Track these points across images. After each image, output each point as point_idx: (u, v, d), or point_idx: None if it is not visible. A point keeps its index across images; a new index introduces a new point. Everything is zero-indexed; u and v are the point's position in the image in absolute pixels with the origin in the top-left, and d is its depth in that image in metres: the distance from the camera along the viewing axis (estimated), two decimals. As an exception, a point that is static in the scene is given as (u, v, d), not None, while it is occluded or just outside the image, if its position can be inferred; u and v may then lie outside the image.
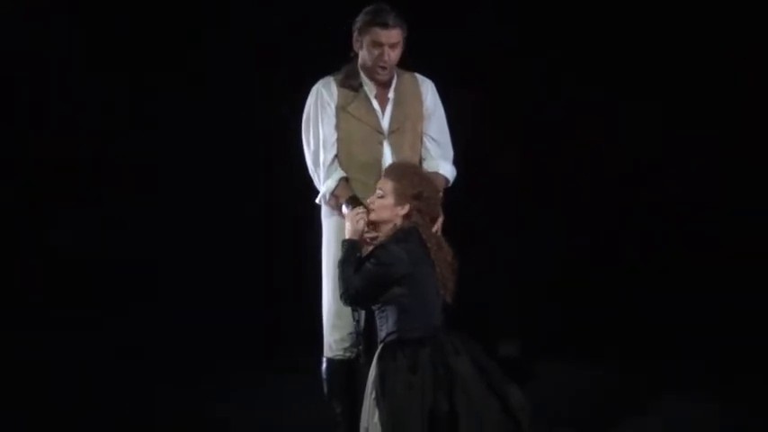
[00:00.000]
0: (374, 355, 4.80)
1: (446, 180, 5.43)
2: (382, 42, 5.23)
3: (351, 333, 5.34)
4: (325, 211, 5.43)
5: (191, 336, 7.32)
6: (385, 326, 4.79)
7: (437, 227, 5.02)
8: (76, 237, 7.75)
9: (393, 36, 5.23)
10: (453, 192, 5.45)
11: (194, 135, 7.58)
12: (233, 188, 7.63)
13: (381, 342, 4.80)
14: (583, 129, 7.36)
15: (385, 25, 5.22)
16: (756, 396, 6.24)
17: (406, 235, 4.82)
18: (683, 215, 7.35)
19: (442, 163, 5.43)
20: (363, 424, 4.74)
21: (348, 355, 5.37)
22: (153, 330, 7.41)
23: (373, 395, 4.70)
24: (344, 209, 5.21)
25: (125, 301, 7.64)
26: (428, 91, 5.47)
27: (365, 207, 4.94)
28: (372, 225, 4.90)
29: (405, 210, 4.85)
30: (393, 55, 5.26)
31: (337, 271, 4.85)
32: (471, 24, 7.25)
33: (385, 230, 4.88)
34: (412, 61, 5.42)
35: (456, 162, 5.49)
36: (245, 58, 7.47)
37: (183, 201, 7.61)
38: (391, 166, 5.04)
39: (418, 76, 5.49)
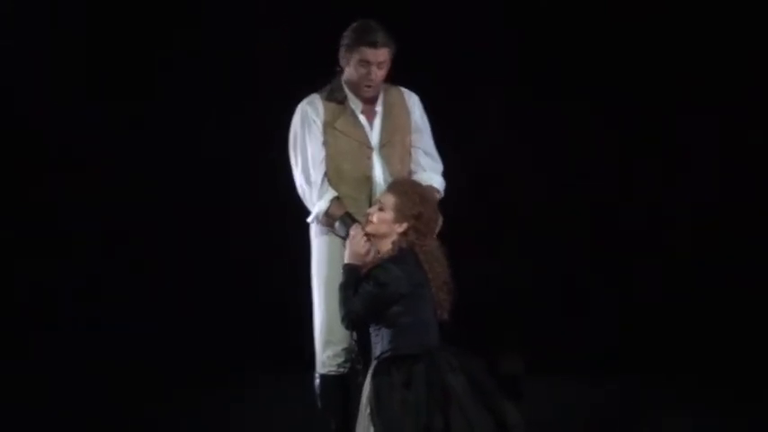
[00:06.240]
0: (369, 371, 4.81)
1: (438, 192, 5.42)
2: (370, 61, 5.22)
3: (344, 348, 5.32)
4: (315, 229, 5.41)
5: (189, 339, 7.33)
6: (380, 344, 4.81)
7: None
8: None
9: (381, 55, 5.22)
10: (458, 201, 5.46)
11: (183, 143, 7.51)
12: (234, 192, 7.58)
13: (376, 359, 4.81)
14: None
15: (374, 44, 5.20)
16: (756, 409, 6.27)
17: (403, 255, 4.83)
18: (682, 223, 7.32)
19: (433, 176, 5.43)
20: (359, 439, 4.76)
21: (341, 370, 5.34)
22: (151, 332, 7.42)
23: (368, 411, 4.71)
24: (337, 225, 5.21)
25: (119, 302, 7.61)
26: (415, 105, 5.47)
27: (361, 225, 4.95)
28: (368, 237, 4.91)
29: (402, 228, 4.86)
30: (380, 74, 5.26)
31: (339, 295, 4.85)
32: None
33: (380, 246, 4.89)
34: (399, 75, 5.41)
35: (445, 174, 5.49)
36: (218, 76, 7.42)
37: (183, 205, 7.53)
38: (396, 182, 5.03)
39: (404, 90, 5.48)
